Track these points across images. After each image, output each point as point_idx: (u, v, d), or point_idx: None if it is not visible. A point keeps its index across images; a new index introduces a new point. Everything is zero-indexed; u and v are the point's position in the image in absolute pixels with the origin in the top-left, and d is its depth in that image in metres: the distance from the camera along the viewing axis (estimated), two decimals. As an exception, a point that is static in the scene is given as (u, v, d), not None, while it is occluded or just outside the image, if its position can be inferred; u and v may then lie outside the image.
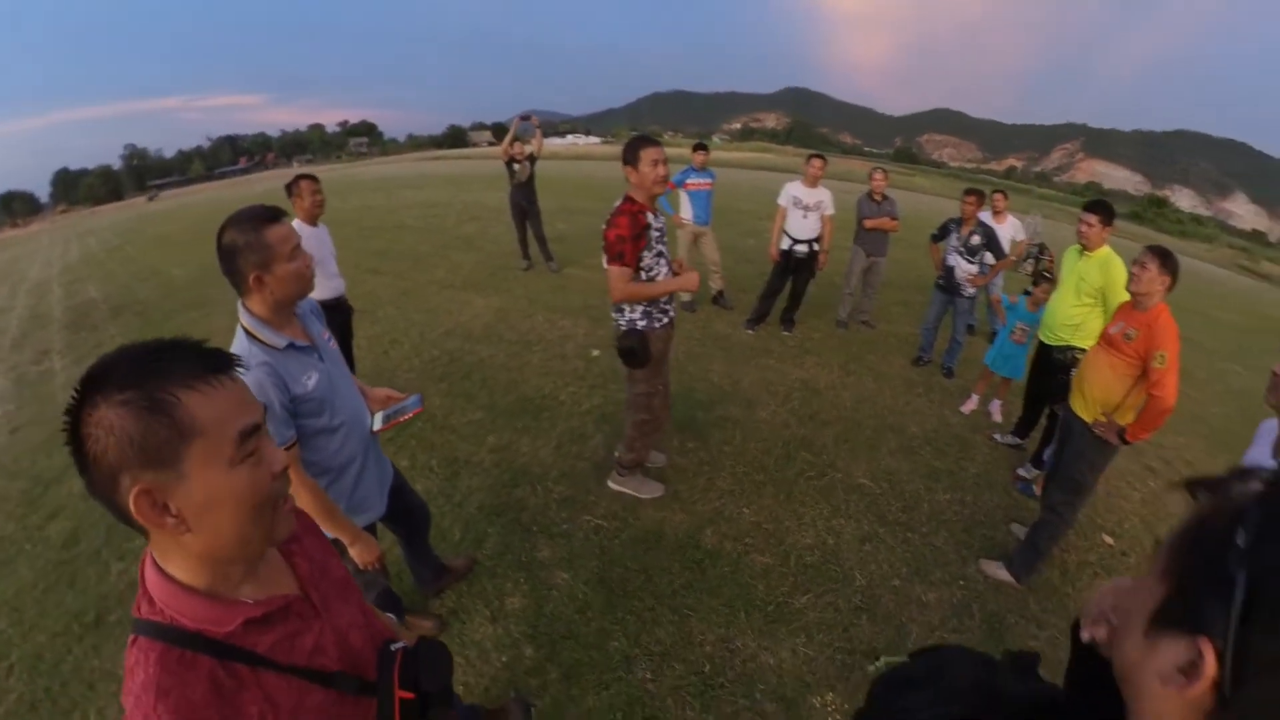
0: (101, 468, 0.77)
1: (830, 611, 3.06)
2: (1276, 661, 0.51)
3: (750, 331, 6.39)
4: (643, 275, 3.04)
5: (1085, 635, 0.67)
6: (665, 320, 3.22)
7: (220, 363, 0.85)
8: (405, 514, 2.49)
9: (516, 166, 7.73)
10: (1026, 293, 4.87)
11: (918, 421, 4.93)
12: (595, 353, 5.53)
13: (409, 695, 1.07)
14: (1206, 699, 0.54)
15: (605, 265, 2.96)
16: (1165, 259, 2.92)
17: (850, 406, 5.03)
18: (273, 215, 1.75)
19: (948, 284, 5.54)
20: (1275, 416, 1.88)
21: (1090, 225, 3.80)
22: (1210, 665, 0.53)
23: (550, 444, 4.13)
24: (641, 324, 3.13)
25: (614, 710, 2.50)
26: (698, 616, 2.93)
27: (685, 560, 3.25)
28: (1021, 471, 4.35)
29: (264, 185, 27.80)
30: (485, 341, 5.75)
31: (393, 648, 1.10)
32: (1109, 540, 3.78)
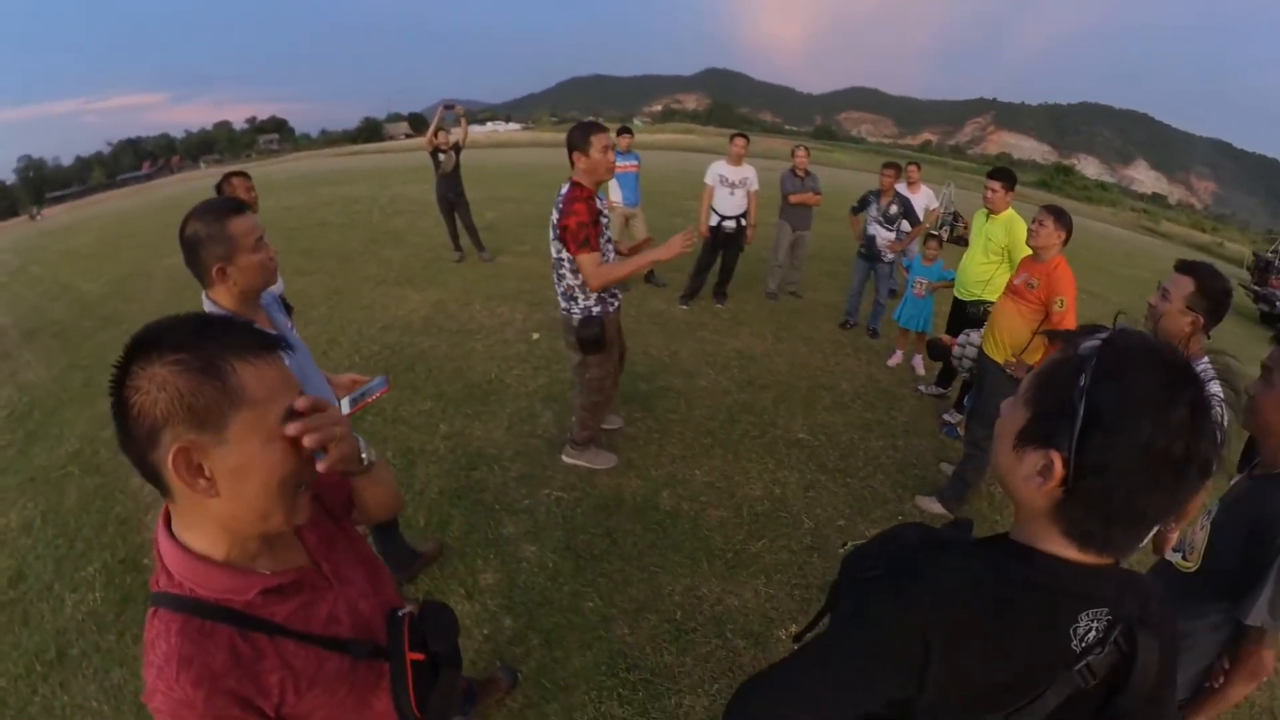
0: (145, 423, 0.78)
1: (785, 554, 3.28)
2: (1100, 465, 0.72)
3: (685, 307, 6.58)
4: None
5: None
6: (617, 304, 3.30)
7: (272, 341, 0.88)
8: None
9: (442, 157, 7.55)
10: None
11: (848, 379, 5.25)
12: (536, 336, 5.58)
13: (419, 657, 1.09)
14: (1056, 492, 0.76)
15: (573, 254, 2.95)
16: (1059, 216, 3.27)
17: (785, 370, 5.30)
18: (236, 207, 1.77)
19: (869, 252, 5.88)
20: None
21: (995, 191, 4.19)
22: (1059, 469, 0.74)
23: (502, 425, 4.18)
24: (597, 310, 3.17)
25: (598, 665, 2.62)
26: (664, 571, 3.09)
27: (646, 522, 3.40)
28: (947, 416, 4.71)
29: (170, 190, 25.75)
30: (425, 334, 5.70)
31: (400, 613, 1.13)
32: None
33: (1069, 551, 0.80)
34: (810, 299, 7.24)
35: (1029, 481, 0.79)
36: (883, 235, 5.74)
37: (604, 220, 3.06)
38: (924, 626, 0.80)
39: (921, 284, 5.21)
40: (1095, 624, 0.79)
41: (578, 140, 2.96)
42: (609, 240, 3.11)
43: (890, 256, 5.80)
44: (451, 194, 7.75)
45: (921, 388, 5.19)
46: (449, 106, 7.86)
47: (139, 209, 17.87)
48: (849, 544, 1.29)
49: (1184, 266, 2.11)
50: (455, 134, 7.78)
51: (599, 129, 3.02)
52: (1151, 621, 0.82)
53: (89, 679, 2.54)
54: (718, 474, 3.85)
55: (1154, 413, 0.69)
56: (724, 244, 6.28)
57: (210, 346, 0.80)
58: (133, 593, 2.91)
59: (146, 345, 0.78)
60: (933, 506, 3.68)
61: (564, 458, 3.79)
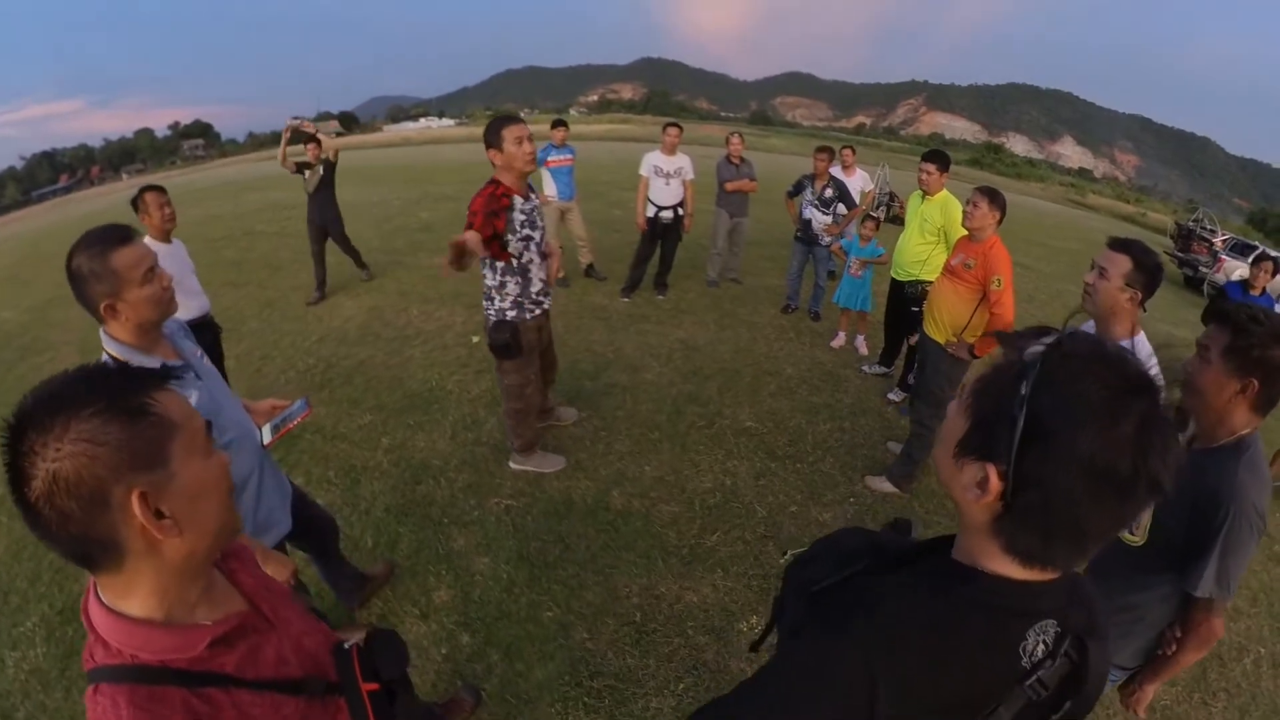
0: (84, 489, 0.72)
1: (739, 545, 3.29)
2: (1038, 479, 0.68)
3: (626, 299, 6.52)
4: (510, 264, 3.04)
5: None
6: (538, 311, 3.23)
7: (167, 372, 0.87)
8: (310, 528, 2.38)
9: (307, 173, 6.52)
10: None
11: (792, 363, 5.30)
12: (475, 339, 5.43)
13: (374, 687, 1.08)
14: (995, 506, 0.73)
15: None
16: (994, 197, 3.34)
17: (729, 358, 5.31)
18: (122, 236, 1.61)
19: (806, 235, 5.93)
20: (1091, 319, 2.25)
21: (929, 173, 4.26)
22: (995, 482, 0.71)
23: (445, 435, 4.06)
24: (512, 314, 3.12)
25: (561, 675, 2.57)
26: (619, 572, 3.05)
27: (598, 523, 3.35)
28: (891, 396, 4.82)
29: (91, 205, 23.79)
30: (362, 343, 5.47)
31: (346, 645, 1.10)
32: None
33: (1011, 570, 0.78)
34: (751, 285, 7.28)
35: (968, 493, 0.76)
36: (819, 219, 5.80)
37: (520, 217, 2.98)
38: (869, 664, 0.77)
39: (858, 263, 5.28)
40: (1043, 638, 0.77)
41: (490, 137, 2.91)
42: (526, 239, 3.03)
43: (827, 240, 5.87)
44: (321, 218, 6.63)
45: (865, 367, 5.30)
46: (295, 118, 6.72)
47: (59, 226, 16.53)
48: (788, 553, 1.27)
49: (1117, 244, 2.11)
50: (327, 145, 6.57)
51: (511, 121, 2.96)
52: (1098, 628, 0.81)
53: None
54: (667, 468, 3.82)
55: (1099, 425, 0.65)
56: (662, 234, 6.25)
57: (120, 390, 0.78)
58: (75, 646, 2.66)
59: (45, 412, 0.72)
60: (882, 486, 3.74)
61: (511, 465, 3.72)
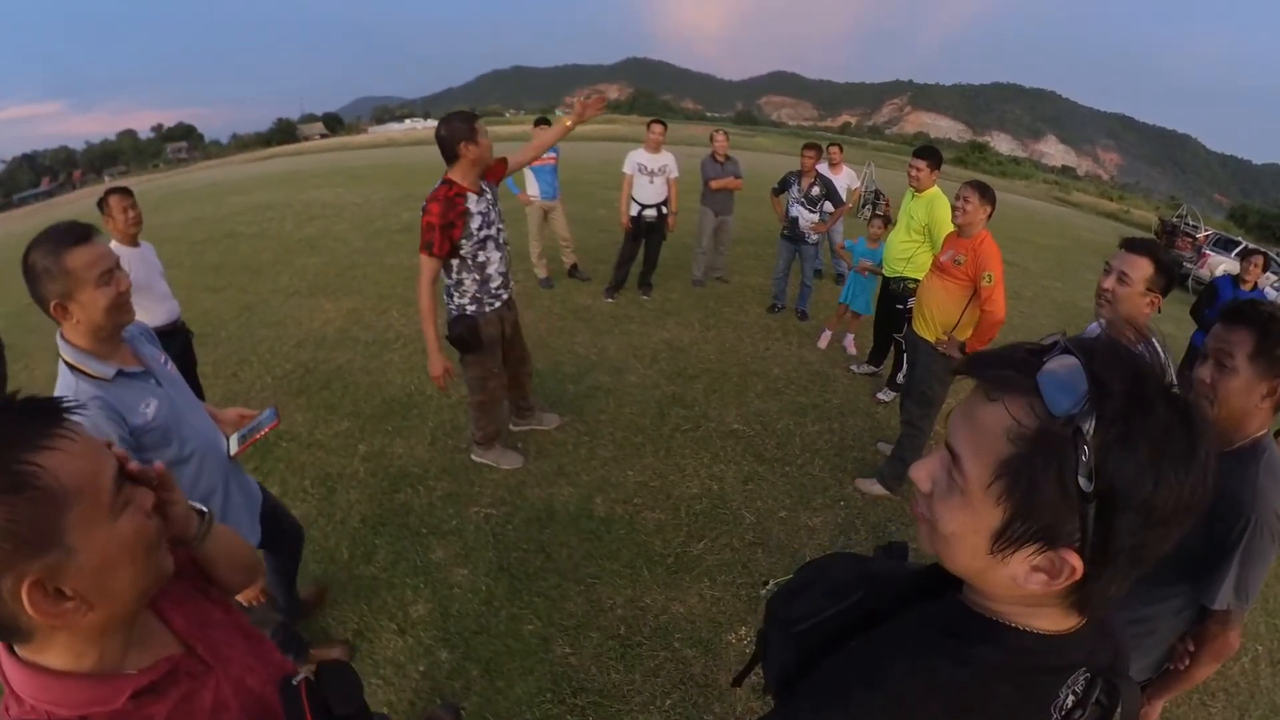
0: None
1: (727, 552, 3.20)
2: (1122, 549, 0.57)
3: (610, 300, 6.41)
4: (466, 262, 2.99)
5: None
6: (497, 304, 3.18)
7: (59, 410, 0.72)
8: (280, 538, 2.27)
9: None
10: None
11: (779, 364, 5.22)
12: None
13: None
14: (1065, 585, 0.60)
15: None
16: (984, 191, 3.27)
17: (715, 359, 5.23)
18: (80, 235, 1.54)
19: (792, 234, 5.86)
20: (1096, 323, 2.19)
21: (920, 170, 4.20)
22: (1078, 569, 0.58)
23: (424, 441, 3.94)
24: (471, 309, 3.08)
25: (542, 692, 2.48)
26: (603, 583, 2.96)
27: (580, 531, 3.26)
28: (881, 395, 4.76)
29: (72, 207, 23.13)
30: (340, 347, 5.33)
31: (294, 681, 1.00)
32: None
33: (1051, 624, 0.66)
34: (737, 283, 7.20)
35: (1024, 581, 0.62)
36: (805, 216, 5.73)
37: (477, 219, 2.93)
38: None
39: (866, 264, 5.18)
40: (1074, 689, 0.66)
41: (464, 132, 2.82)
42: (484, 240, 2.99)
43: (814, 238, 5.80)
44: None
45: (854, 367, 5.23)
46: None
47: (37, 230, 16.12)
48: (771, 583, 1.13)
49: (1136, 246, 1.97)
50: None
51: (474, 115, 2.95)
52: (1123, 659, 0.72)
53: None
54: (651, 474, 3.73)
55: (1186, 466, 0.55)
56: (646, 233, 6.15)
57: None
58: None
59: None
60: (873, 488, 3.68)
61: (473, 456, 3.68)
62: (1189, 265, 14.02)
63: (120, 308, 1.58)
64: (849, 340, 5.58)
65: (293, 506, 3.30)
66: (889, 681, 0.69)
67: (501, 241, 3.11)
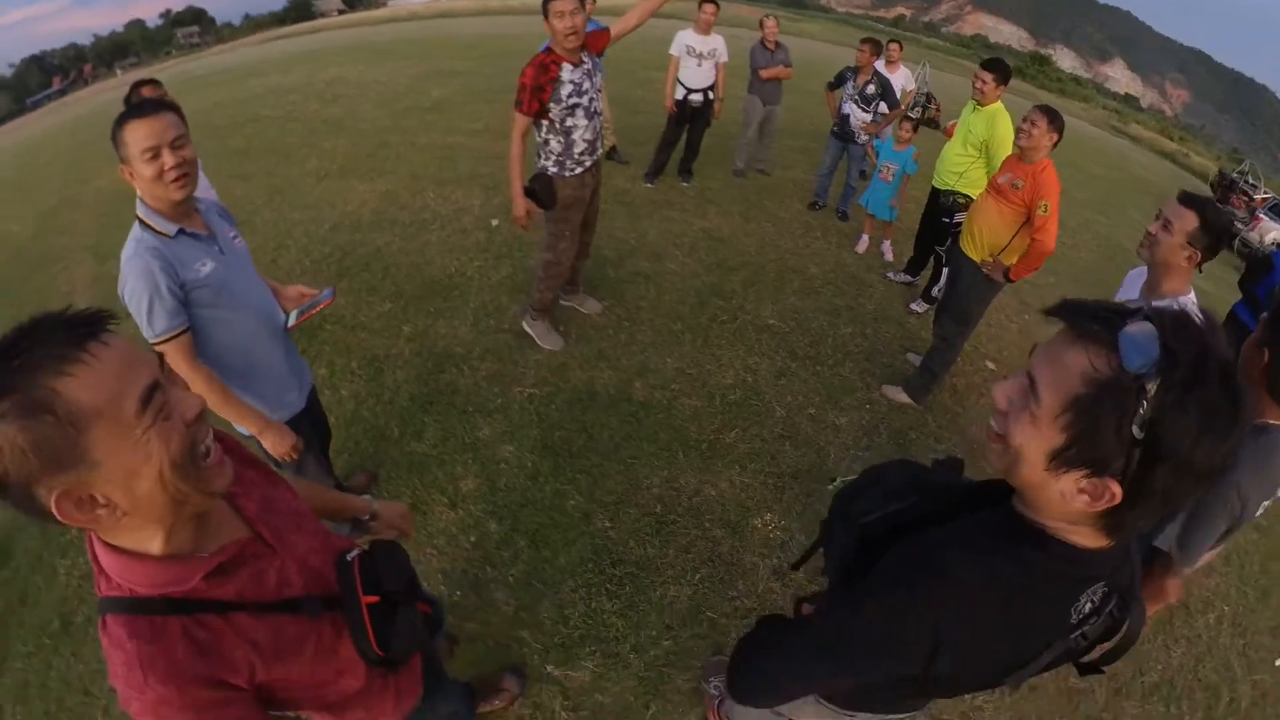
0: (13, 488, 0.71)
1: (757, 442, 3.31)
2: (1153, 490, 0.69)
3: (649, 184, 6.23)
4: (554, 125, 3.05)
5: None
6: (578, 170, 3.22)
7: (88, 329, 0.74)
8: (313, 425, 2.34)
9: None
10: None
11: (817, 263, 5.13)
12: (495, 222, 5.24)
13: (374, 599, 1.07)
14: (1102, 507, 0.73)
15: None
16: (1053, 118, 3.09)
17: (754, 252, 5.14)
18: (135, 112, 1.62)
19: (842, 132, 5.57)
20: (1143, 265, 2.18)
21: (985, 83, 3.95)
22: (1117, 494, 0.70)
23: (467, 322, 3.99)
24: (553, 170, 3.16)
25: (584, 562, 2.65)
26: (641, 463, 3.09)
27: (620, 414, 3.36)
28: (914, 306, 4.70)
29: (86, 105, 22.37)
30: (378, 229, 5.30)
31: (348, 558, 1.09)
32: (991, 365, 4.23)
33: (1088, 540, 0.79)
34: (778, 177, 6.93)
35: (1068, 498, 0.75)
36: (858, 115, 5.42)
37: (569, 87, 3.02)
38: (938, 621, 0.83)
39: (889, 168, 4.98)
40: (1093, 598, 0.83)
41: (544, 11, 2.93)
42: (573, 108, 3.06)
43: (864, 138, 5.50)
44: None
45: (890, 274, 5.13)
46: None
47: (56, 131, 15.80)
48: (838, 480, 1.31)
49: (1188, 200, 1.99)
50: None
51: None
52: (1136, 587, 0.87)
53: (99, 644, 2.44)
54: (689, 361, 3.80)
55: (1224, 433, 0.66)
56: (690, 118, 5.86)
57: (22, 381, 0.69)
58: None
59: None
60: (898, 396, 3.72)
61: (523, 323, 3.79)
62: (1239, 225, 13.29)
63: (169, 186, 1.64)
64: (886, 246, 5.44)
65: (341, 386, 3.45)
66: (954, 571, 0.83)
67: (594, 111, 3.15)
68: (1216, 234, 1.97)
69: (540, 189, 3.16)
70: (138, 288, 1.63)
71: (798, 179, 6.91)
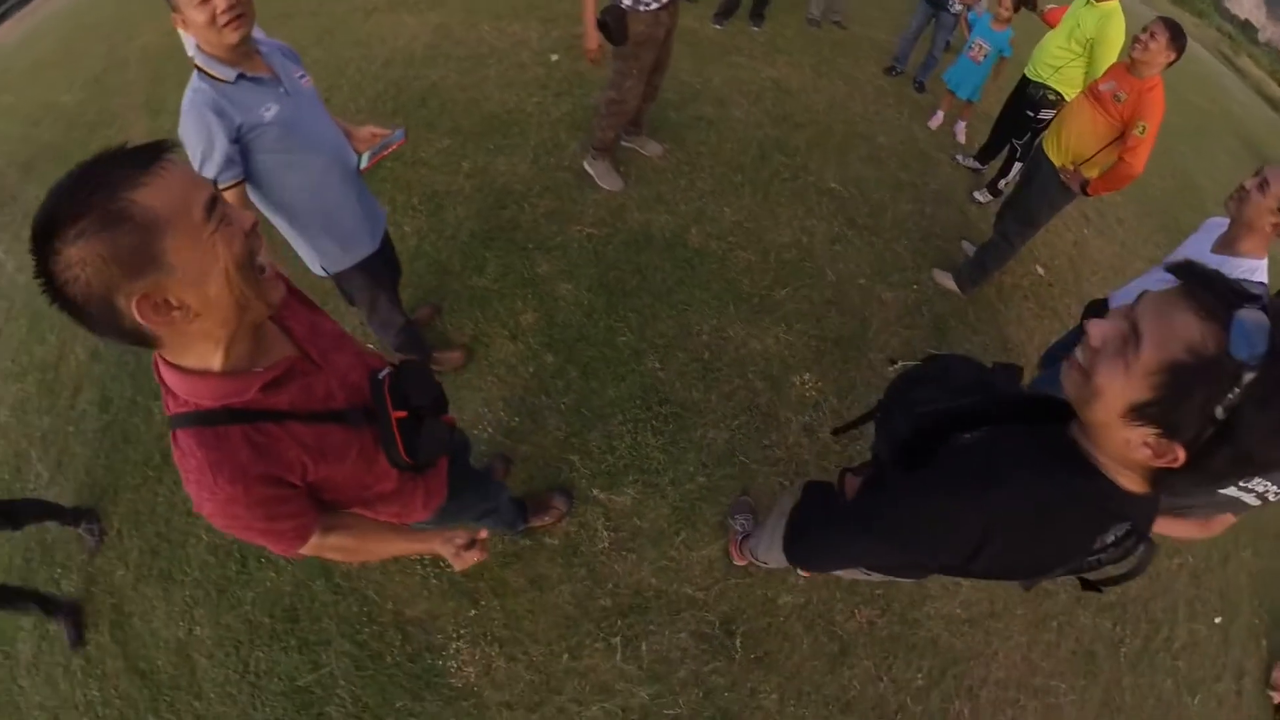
0: (94, 302, 0.75)
1: (805, 304, 3.22)
2: (1219, 471, 0.71)
3: (718, 26, 5.55)
4: None
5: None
6: (654, 6, 2.84)
7: (152, 153, 0.78)
8: (385, 264, 2.30)
9: None
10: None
11: (886, 132, 4.68)
12: (554, 57, 4.80)
13: (402, 414, 1.14)
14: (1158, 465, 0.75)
15: None
16: (1176, 34, 2.65)
17: (822, 110, 4.69)
18: None
19: None
20: (1226, 217, 2.02)
21: None
22: (1180, 458, 0.72)
23: (526, 159, 3.78)
24: (626, 3, 2.81)
25: (632, 397, 2.68)
26: (693, 310, 3.05)
27: (675, 259, 3.26)
28: (978, 195, 4.34)
29: None
30: (431, 64, 4.91)
31: (380, 376, 1.16)
32: (1041, 271, 3.94)
33: (1132, 484, 0.82)
34: (855, 33, 6.14)
35: (1131, 446, 0.76)
36: None
37: None
38: (991, 524, 0.89)
39: (981, 46, 4.32)
40: (1118, 532, 0.86)
41: None
42: None
43: (959, 7, 4.74)
44: None
45: (959, 157, 4.66)
46: None
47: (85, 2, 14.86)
48: (899, 363, 1.53)
49: None
50: None
51: None
52: (1150, 528, 0.90)
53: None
54: (746, 214, 3.60)
55: None
56: (768, -44, 5.13)
57: (99, 199, 0.72)
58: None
59: (43, 238, 0.72)
60: (947, 282, 3.54)
61: (584, 163, 3.62)
62: None
63: (220, 26, 1.50)
64: (960, 127, 4.88)
65: (404, 222, 3.36)
66: (1012, 486, 0.87)
67: None
68: None
69: (612, 22, 2.84)
70: (192, 139, 1.56)
71: (876, 38, 6.12)
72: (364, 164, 1.97)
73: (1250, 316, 0.65)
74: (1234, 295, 0.68)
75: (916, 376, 1.20)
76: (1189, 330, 0.68)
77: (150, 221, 0.74)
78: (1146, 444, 0.74)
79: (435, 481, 1.37)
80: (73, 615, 2.32)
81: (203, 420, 0.90)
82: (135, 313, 0.76)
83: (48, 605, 2.30)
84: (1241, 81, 24.40)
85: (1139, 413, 0.73)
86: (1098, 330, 0.78)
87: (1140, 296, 0.77)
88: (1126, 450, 0.77)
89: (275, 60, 1.72)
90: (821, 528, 1.26)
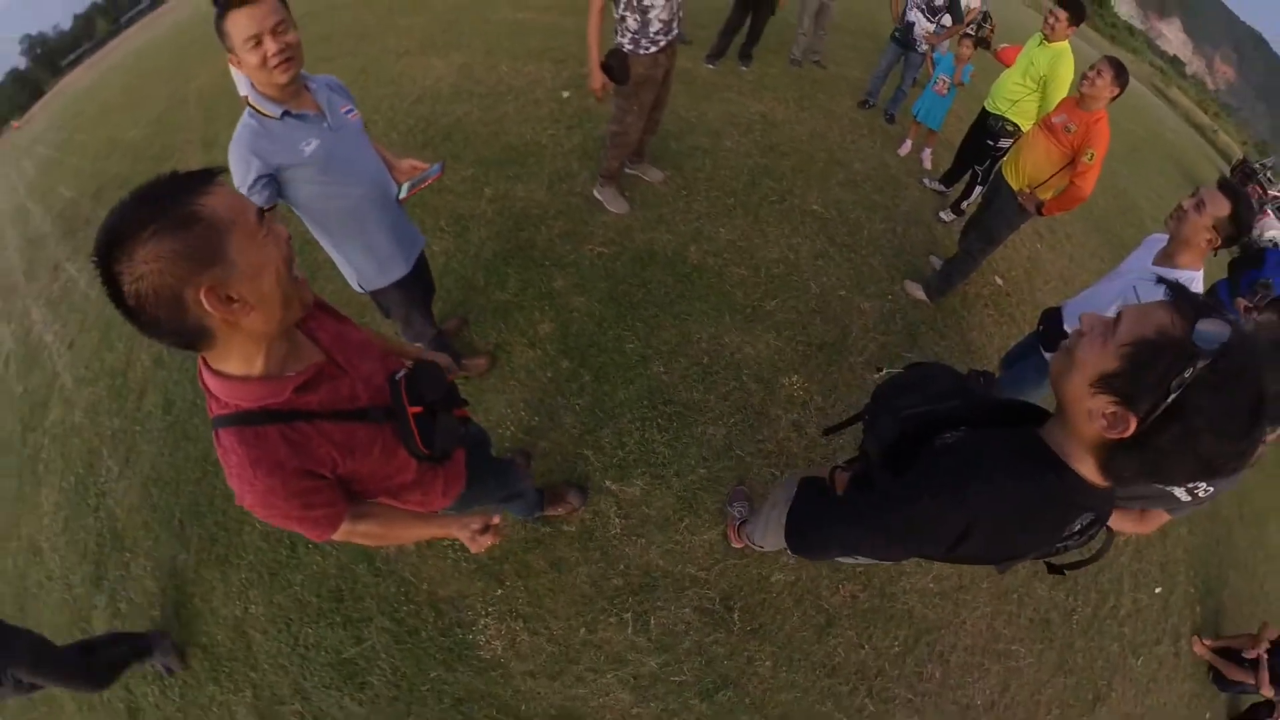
0: (164, 296, 0.78)
1: (793, 313, 3.33)
2: (1159, 446, 0.76)
3: (711, 67, 5.75)
4: (632, 3, 2.77)
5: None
6: (653, 49, 2.96)
7: (210, 172, 0.86)
8: (418, 283, 2.35)
9: None
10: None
11: (861, 159, 4.83)
12: (566, 94, 4.95)
13: (418, 410, 1.17)
14: (1112, 437, 0.80)
15: None
16: (1119, 72, 2.82)
17: (804, 140, 4.84)
18: (231, 2, 1.46)
19: (904, 39, 4.98)
20: (1165, 233, 2.10)
21: (1058, 20, 3.51)
22: (1131, 428, 0.77)
23: (542, 185, 3.90)
24: (628, 47, 2.92)
25: (640, 398, 2.79)
26: (692, 319, 3.15)
27: (676, 274, 3.37)
28: (943, 215, 4.49)
29: (178, 14, 20.16)
30: (456, 101, 5.06)
31: (396, 376, 1.19)
32: (999, 281, 4.09)
33: (1093, 476, 0.87)
34: (833, 72, 6.35)
35: (1092, 417, 0.81)
36: (922, 24, 4.82)
37: None
38: (972, 519, 0.93)
39: (944, 81, 4.54)
40: (1083, 521, 0.93)
41: None
42: None
43: (924, 48, 4.94)
44: None
45: (926, 180, 4.83)
46: None
47: (153, 42, 14.73)
48: (884, 370, 1.39)
49: (1227, 189, 1.93)
50: None
51: None
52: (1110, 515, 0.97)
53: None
54: (739, 233, 3.73)
55: (1232, 437, 0.72)
56: (755, 5, 5.30)
57: (169, 205, 0.78)
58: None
59: (115, 243, 0.76)
60: (917, 293, 3.67)
61: (594, 190, 3.71)
62: None
63: (273, 71, 1.53)
64: (927, 154, 5.07)
65: (433, 243, 3.46)
66: (994, 484, 0.91)
67: None
68: (1241, 227, 1.92)
69: (615, 64, 2.95)
70: (234, 170, 1.60)
71: (851, 76, 6.32)
72: (403, 194, 1.99)
73: (1217, 322, 0.71)
74: (1208, 307, 0.75)
75: (900, 383, 1.23)
76: (1162, 318, 0.76)
77: (217, 221, 0.80)
78: (1105, 415, 0.79)
79: (453, 471, 1.40)
80: (163, 643, 2.28)
81: (243, 420, 0.94)
82: (205, 303, 0.80)
83: (139, 649, 2.24)
84: (1172, 110, 24.86)
85: (1105, 383, 0.79)
86: (1089, 319, 0.86)
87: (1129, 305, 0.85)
88: (1088, 423, 0.81)
89: (323, 96, 1.74)
90: (817, 523, 1.28)
